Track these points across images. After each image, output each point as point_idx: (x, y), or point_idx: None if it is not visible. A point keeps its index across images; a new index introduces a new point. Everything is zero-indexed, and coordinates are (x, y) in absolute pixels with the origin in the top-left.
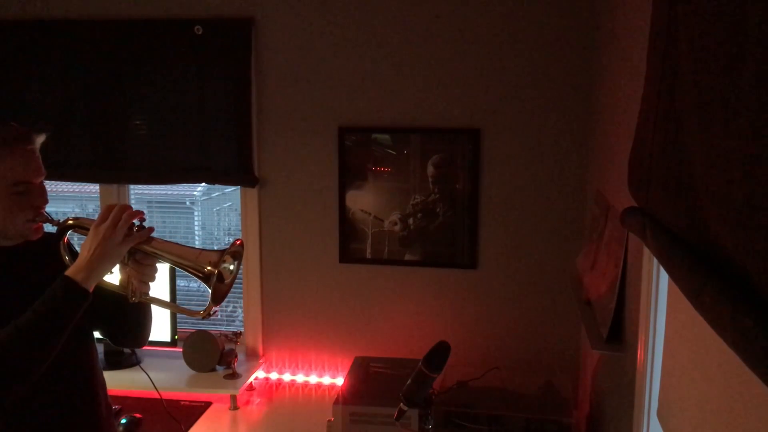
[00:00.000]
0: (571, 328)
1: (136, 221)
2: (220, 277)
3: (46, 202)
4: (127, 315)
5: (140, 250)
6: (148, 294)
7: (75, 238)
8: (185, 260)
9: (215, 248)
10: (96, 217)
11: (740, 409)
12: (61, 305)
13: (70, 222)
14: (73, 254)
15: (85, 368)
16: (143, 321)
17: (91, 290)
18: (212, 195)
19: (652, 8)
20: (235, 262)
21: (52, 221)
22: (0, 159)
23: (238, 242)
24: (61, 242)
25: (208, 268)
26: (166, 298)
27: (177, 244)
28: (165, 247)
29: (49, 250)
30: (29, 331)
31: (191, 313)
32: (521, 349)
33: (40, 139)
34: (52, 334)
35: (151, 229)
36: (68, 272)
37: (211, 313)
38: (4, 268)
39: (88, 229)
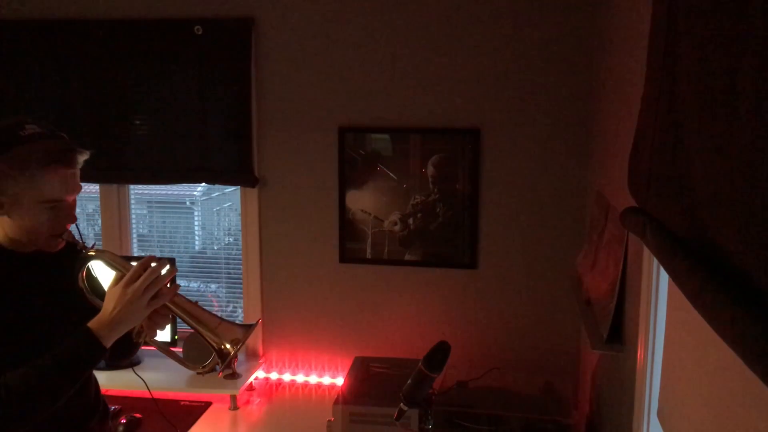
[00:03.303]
0: (571, 328)
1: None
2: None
3: (73, 220)
4: (125, 343)
5: None
6: (153, 338)
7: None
8: (205, 327)
9: (236, 322)
10: (97, 215)
11: (740, 409)
12: (79, 358)
13: (92, 253)
14: (89, 285)
15: None
16: (135, 349)
17: (109, 346)
18: (212, 195)
19: (652, 9)
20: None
21: (75, 241)
22: (40, 176)
23: (259, 321)
24: (80, 275)
25: (227, 346)
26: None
27: (198, 305)
28: (187, 307)
29: (66, 259)
30: (47, 376)
31: (192, 368)
32: (521, 349)
33: (83, 158)
34: (64, 383)
35: (177, 287)
36: (92, 325)
37: (209, 372)
38: (19, 273)
39: (110, 264)
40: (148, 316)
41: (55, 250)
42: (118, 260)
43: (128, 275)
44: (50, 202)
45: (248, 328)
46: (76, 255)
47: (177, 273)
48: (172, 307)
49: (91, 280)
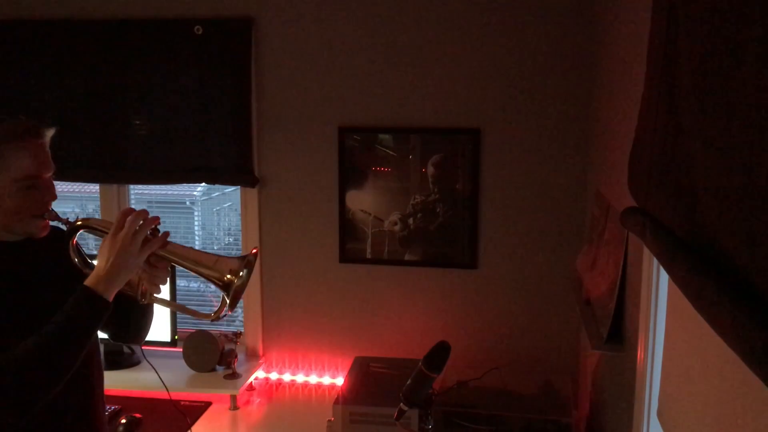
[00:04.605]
0: (571, 328)
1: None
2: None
3: (54, 197)
4: (131, 314)
5: (156, 253)
6: (157, 295)
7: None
8: (203, 266)
9: (231, 255)
10: (97, 215)
11: (740, 409)
12: (83, 316)
13: (79, 223)
14: (82, 255)
15: (85, 362)
16: (146, 320)
17: (111, 299)
18: (212, 195)
19: (652, 9)
20: (246, 270)
21: (60, 219)
22: (9, 153)
23: (254, 251)
24: (70, 244)
25: (228, 276)
26: (167, 297)
27: (192, 248)
28: (182, 252)
29: (55, 245)
30: (53, 342)
31: (201, 316)
32: (521, 349)
33: (50, 133)
34: (75, 345)
35: (167, 234)
36: (88, 282)
37: (221, 315)
38: (9, 262)
39: (98, 230)
40: (147, 271)
41: (41, 234)
42: (104, 223)
43: (114, 226)
44: (26, 179)
45: (245, 257)
46: (63, 235)
47: (172, 268)
48: (167, 255)
49: (81, 253)
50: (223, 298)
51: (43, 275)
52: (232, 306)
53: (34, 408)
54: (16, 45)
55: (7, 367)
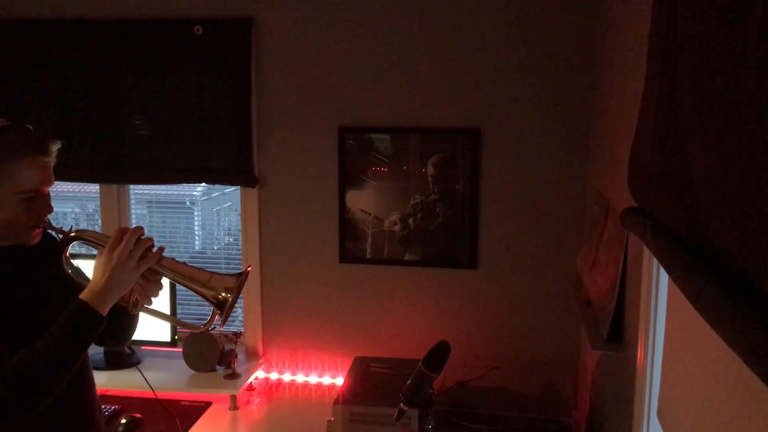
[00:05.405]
0: (571, 328)
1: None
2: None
3: (50, 210)
4: (118, 321)
5: (150, 268)
6: (148, 306)
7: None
8: (197, 283)
9: (223, 272)
10: (97, 215)
11: (740, 409)
12: (77, 330)
13: (73, 234)
14: (74, 267)
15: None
16: (132, 326)
17: (105, 314)
18: (212, 195)
19: (652, 8)
20: (238, 288)
21: (54, 228)
22: (16, 167)
23: (249, 269)
24: (63, 255)
25: (223, 294)
26: (166, 298)
27: (186, 264)
28: (176, 268)
29: (45, 249)
30: (47, 355)
31: (191, 327)
32: (521, 349)
33: (56, 148)
34: (69, 358)
35: (162, 249)
36: (83, 296)
37: (210, 329)
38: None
39: (91, 242)
40: (140, 284)
41: (33, 242)
42: (99, 236)
43: (110, 242)
44: (27, 192)
45: (239, 275)
46: (55, 244)
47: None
48: (161, 270)
49: (72, 265)
50: (214, 311)
51: (33, 280)
52: (224, 322)
53: (25, 418)
54: (17, 45)
55: (1, 379)
